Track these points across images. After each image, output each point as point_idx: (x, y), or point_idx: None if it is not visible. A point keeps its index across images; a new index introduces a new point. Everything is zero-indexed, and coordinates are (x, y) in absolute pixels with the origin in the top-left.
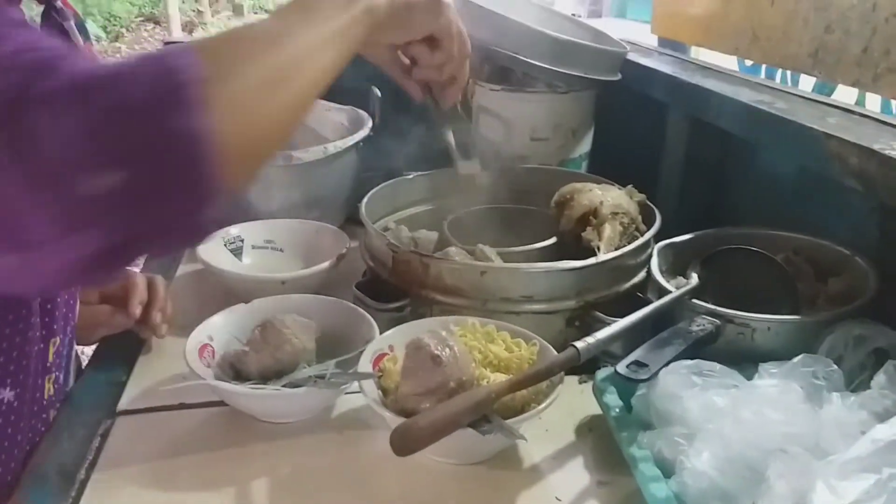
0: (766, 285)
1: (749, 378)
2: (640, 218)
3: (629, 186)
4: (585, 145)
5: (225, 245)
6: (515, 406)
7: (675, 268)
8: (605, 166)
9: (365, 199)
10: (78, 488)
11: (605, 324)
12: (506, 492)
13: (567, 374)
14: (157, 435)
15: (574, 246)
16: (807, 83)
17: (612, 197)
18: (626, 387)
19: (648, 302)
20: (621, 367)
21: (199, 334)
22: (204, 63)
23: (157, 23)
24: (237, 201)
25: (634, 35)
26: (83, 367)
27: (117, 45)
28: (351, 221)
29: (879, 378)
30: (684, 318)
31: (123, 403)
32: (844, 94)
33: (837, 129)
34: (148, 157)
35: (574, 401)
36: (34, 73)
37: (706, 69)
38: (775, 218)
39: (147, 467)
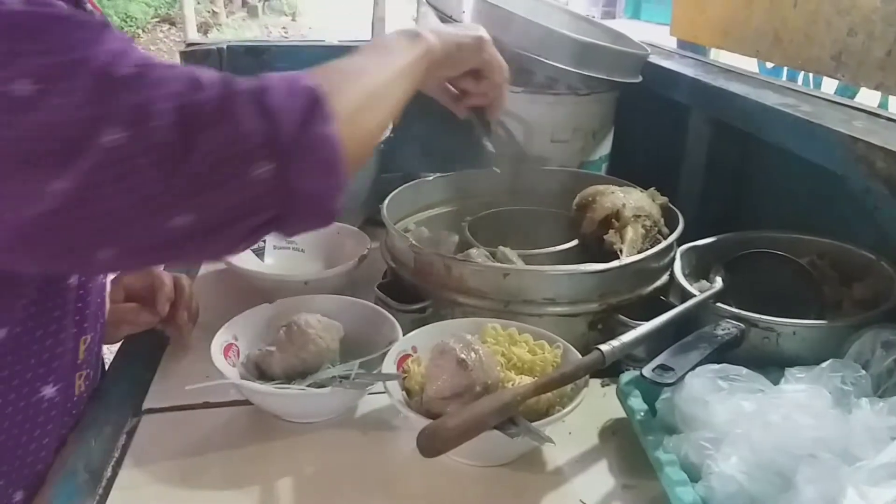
0: (791, 289)
1: (774, 383)
2: (662, 221)
3: (651, 189)
4: (605, 147)
5: None
6: (540, 409)
7: (698, 271)
8: (624, 169)
9: (386, 201)
10: (105, 486)
11: (628, 327)
12: (530, 494)
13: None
14: (182, 433)
15: (595, 249)
16: (829, 86)
17: (634, 199)
18: (650, 390)
19: (671, 305)
20: (647, 371)
21: (224, 334)
22: (323, 85)
23: (172, 24)
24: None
25: (649, 36)
26: (106, 366)
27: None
28: (370, 223)
29: None
30: (708, 321)
31: (149, 402)
32: (867, 98)
33: (864, 132)
34: (299, 153)
35: (596, 404)
36: (194, 84)
37: (729, 72)
38: (798, 221)
39: (173, 465)
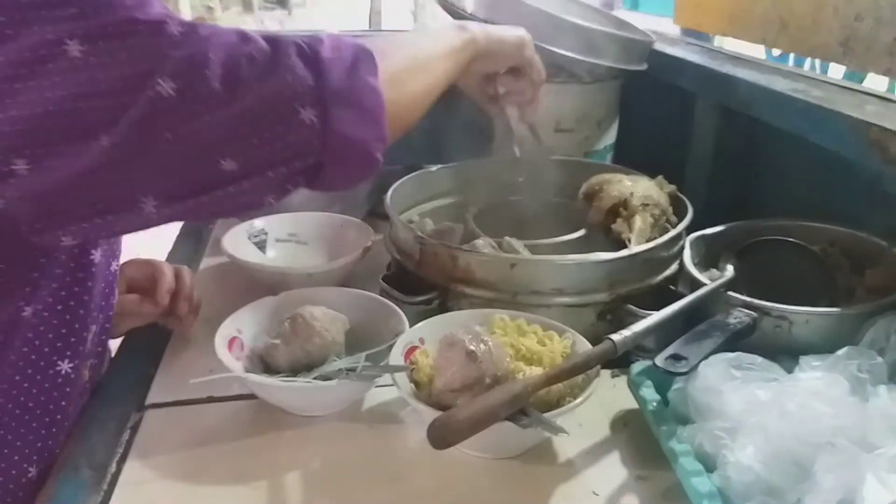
0: (803, 277)
1: (787, 371)
2: (670, 209)
3: (659, 177)
4: (610, 136)
5: (249, 238)
6: (550, 400)
7: (707, 260)
8: (630, 157)
9: (390, 192)
10: (110, 481)
11: (638, 317)
12: (542, 486)
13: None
14: (186, 428)
15: (602, 238)
16: (835, 72)
17: (642, 188)
18: (662, 380)
19: (680, 295)
20: (660, 360)
21: (228, 327)
22: (369, 45)
23: None
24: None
25: (650, 27)
26: (108, 360)
27: None
28: (372, 215)
29: None
30: (719, 310)
31: (152, 396)
32: (874, 84)
33: (877, 116)
34: (344, 99)
35: (606, 395)
36: (242, 37)
37: (736, 58)
38: (807, 209)
39: (178, 460)
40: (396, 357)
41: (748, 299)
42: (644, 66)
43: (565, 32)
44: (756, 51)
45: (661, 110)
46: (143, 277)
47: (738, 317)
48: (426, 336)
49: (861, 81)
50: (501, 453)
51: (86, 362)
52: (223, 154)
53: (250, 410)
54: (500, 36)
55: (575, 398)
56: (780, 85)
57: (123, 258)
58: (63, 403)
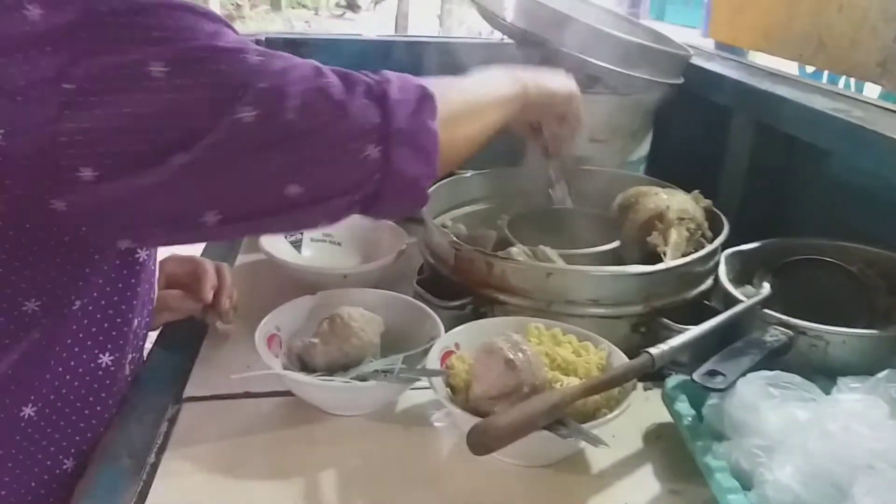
0: (840, 298)
1: (824, 391)
2: (706, 224)
3: (695, 192)
4: (644, 148)
5: (285, 237)
6: (587, 411)
7: (742, 276)
8: (662, 170)
9: None
10: (149, 471)
11: (672, 330)
12: (575, 496)
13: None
14: (224, 422)
15: (637, 250)
16: (870, 91)
17: (678, 202)
18: (696, 395)
19: (715, 310)
20: (698, 376)
21: (268, 324)
22: (431, 87)
23: None
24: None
25: (677, 39)
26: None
27: None
28: (405, 218)
29: None
30: (754, 328)
31: (189, 390)
32: None
33: None
34: (406, 139)
35: (640, 408)
36: (317, 72)
37: (773, 75)
38: (843, 228)
39: (216, 454)
40: (433, 361)
41: (785, 318)
42: (681, 80)
43: (605, 44)
44: (789, 66)
45: (694, 124)
46: (184, 273)
47: (775, 335)
48: (462, 341)
49: None
50: (536, 461)
51: (126, 356)
52: (291, 181)
53: (286, 407)
54: (551, 89)
55: (610, 410)
56: (819, 103)
57: (161, 253)
58: (103, 395)
